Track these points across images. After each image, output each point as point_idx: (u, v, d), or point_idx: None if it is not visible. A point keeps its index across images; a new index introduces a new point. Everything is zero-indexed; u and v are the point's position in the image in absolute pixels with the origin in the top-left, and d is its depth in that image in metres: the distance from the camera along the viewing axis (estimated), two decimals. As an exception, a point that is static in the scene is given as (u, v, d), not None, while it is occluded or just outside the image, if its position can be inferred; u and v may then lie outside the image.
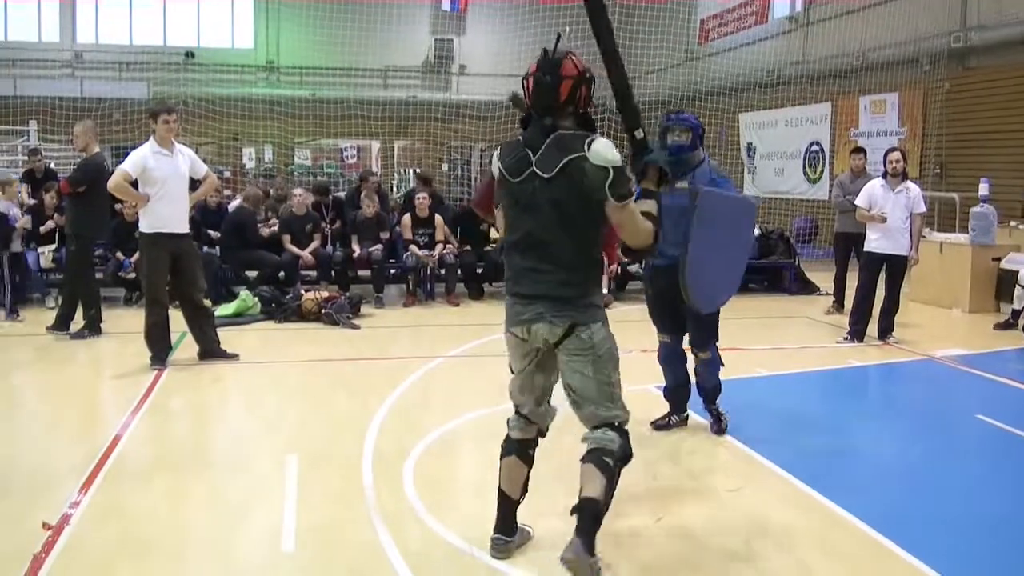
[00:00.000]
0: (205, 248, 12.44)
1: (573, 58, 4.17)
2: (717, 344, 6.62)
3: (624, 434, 4.25)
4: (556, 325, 4.13)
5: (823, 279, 13.77)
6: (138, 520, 5.01)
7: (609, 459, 4.15)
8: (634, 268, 12.79)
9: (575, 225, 4.10)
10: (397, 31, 25.88)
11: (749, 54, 22.94)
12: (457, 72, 28.59)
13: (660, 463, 5.95)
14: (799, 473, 5.83)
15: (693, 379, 6.72)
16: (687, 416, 6.82)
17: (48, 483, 5.56)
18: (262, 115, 25.10)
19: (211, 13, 28.16)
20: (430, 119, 25.75)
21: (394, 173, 27.46)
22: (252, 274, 12.85)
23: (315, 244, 13.08)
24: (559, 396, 4.42)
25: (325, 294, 11.70)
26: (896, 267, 10.15)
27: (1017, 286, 11.14)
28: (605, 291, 10.95)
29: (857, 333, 10.33)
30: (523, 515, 4.62)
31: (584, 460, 4.18)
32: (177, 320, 9.00)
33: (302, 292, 11.73)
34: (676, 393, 6.74)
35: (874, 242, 10.19)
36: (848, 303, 11.04)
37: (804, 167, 21.93)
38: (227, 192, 18.46)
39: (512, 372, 4.48)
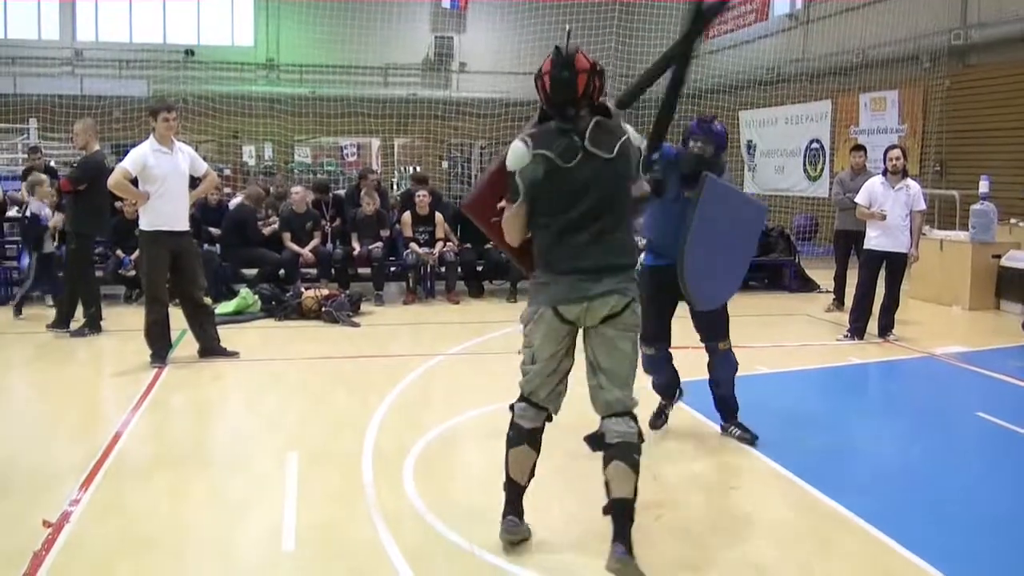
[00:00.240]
0: (205, 246, 12.45)
1: (583, 53, 4.31)
2: (728, 338, 6.52)
3: (636, 418, 4.39)
4: (625, 296, 4.29)
5: (823, 277, 13.77)
6: (138, 518, 5.02)
7: (636, 454, 4.29)
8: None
9: (625, 201, 4.37)
10: (397, 28, 25.87)
11: (749, 51, 22.94)
12: (457, 70, 28.58)
13: (660, 462, 5.95)
14: (799, 471, 5.83)
15: (711, 388, 6.59)
16: (680, 393, 6.71)
17: (48, 481, 5.55)
18: (262, 113, 25.09)
19: (211, 11, 28.15)
20: (430, 117, 25.74)
21: (394, 171, 27.45)
22: (252, 272, 12.85)
23: (315, 242, 13.07)
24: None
25: (325, 292, 11.70)
26: (896, 264, 10.16)
27: None
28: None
29: (857, 331, 10.33)
30: (541, 514, 4.62)
31: (613, 458, 4.27)
32: (177, 318, 9.00)
33: (302, 290, 11.73)
34: (667, 389, 6.67)
35: (874, 240, 10.19)
36: (848, 301, 11.03)
37: (804, 165, 21.92)
38: (227, 190, 18.45)
39: (533, 361, 4.45)
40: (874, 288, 10.29)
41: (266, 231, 13.19)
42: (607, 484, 4.26)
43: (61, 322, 10.10)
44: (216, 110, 23.31)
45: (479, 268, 13.72)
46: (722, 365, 6.49)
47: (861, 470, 6.20)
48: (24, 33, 26.86)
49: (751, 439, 6.41)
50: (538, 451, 4.58)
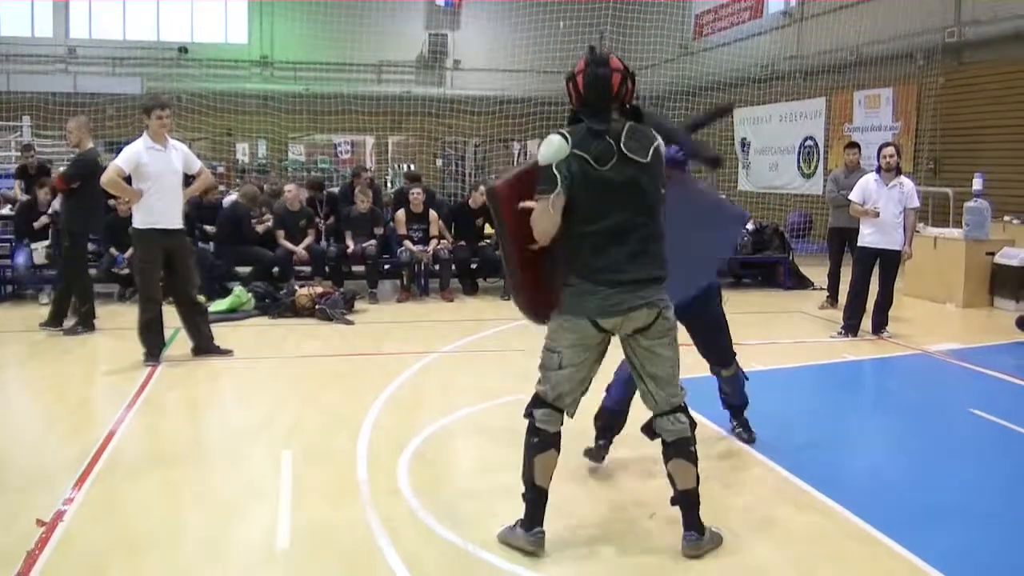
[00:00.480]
0: (199, 244, 12.43)
1: (615, 56, 4.38)
2: (736, 358, 6.43)
3: (687, 410, 4.55)
4: (656, 307, 4.35)
5: (817, 274, 13.77)
6: (132, 517, 5.01)
7: (692, 446, 4.51)
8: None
9: (660, 207, 4.40)
10: (391, 26, 25.85)
11: (744, 49, 22.95)
12: (451, 67, 28.57)
13: (655, 459, 5.94)
14: (793, 468, 5.84)
15: (720, 399, 6.56)
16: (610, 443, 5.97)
17: (42, 480, 5.55)
18: (256, 110, 25.06)
19: (205, 8, 28.14)
20: (424, 114, 25.72)
21: (388, 168, 27.43)
22: (246, 270, 12.83)
23: (309, 240, 13.05)
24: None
25: (319, 290, 11.69)
26: (890, 262, 10.18)
27: None
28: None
29: (851, 328, 10.34)
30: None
31: (672, 455, 4.49)
32: (171, 316, 8.99)
33: (296, 288, 11.72)
34: (613, 417, 5.86)
35: (868, 237, 10.20)
36: (842, 298, 11.04)
37: (798, 162, 21.95)
38: (221, 187, 18.42)
39: (560, 367, 4.44)
40: (868, 285, 10.31)
41: (260, 229, 13.17)
42: (671, 478, 4.51)
43: (54, 320, 10.08)
44: (210, 107, 23.27)
45: (473, 266, 13.72)
46: (726, 392, 6.49)
47: (855, 467, 6.22)
48: (17, 30, 26.83)
49: (748, 439, 6.42)
50: (560, 452, 4.61)
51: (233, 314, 11.22)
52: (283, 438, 6.50)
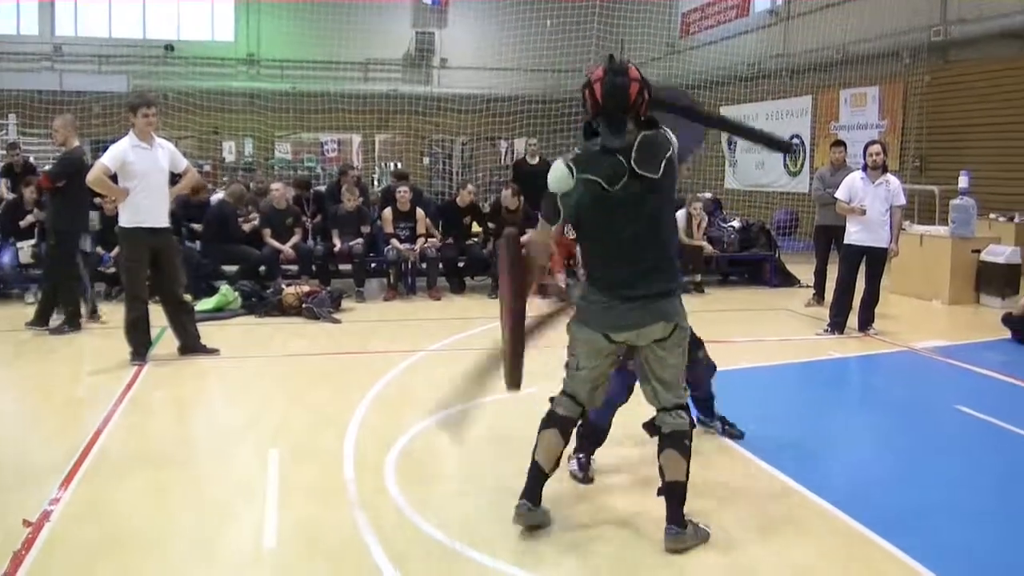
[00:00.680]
0: (186, 243, 12.40)
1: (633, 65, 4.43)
2: (704, 346, 6.44)
3: (688, 408, 4.68)
4: (671, 320, 4.45)
5: (803, 272, 13.81)
6: (119, 516, 5.00)
7: (687, 441, 4.59)
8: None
9: (669, 221, 4.52)
10: (378, 24, 25.79)
11: (730, 47, 22.97)
12: (438, 66, 28.53)
13: (641, 455, 5.96)
14: (780, 464, 5.86)
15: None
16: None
17: (28, 480, 5.53)
18: (242, 108, 24.97)
19: (191, 6, 28.00)
20: (411, 113, 25.69)
21: (375, 167, 27.38)
22: (232, 268, 12.80)
23: (296, 238, 13.02)
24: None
25: (306, 288, 11.67)
26: (876, 259, 10.21)
27: None
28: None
29: (837, 325, 10.37)
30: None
31: (665, 446, 4.57)
32: (157, 315, 8.96)
33: (283, 286, 11.69)
34: (595, 431, 5.69)
35: (854, 235, 10.23)
36: (828, 295, 11.07)
37: (785, 160, 22.00)
38: (209, 186, 18.37)
39: (578, 368, 4.64)
40: (854, 283, 10.34)
41: (246, 227, 13.13)
42: (661, 469, 4.57)
43: (40, 320, 10.05)
44: (196, 106, 23.19)
45: (460, 264, 13.72)
46: (698, 371, 6.45)
47: (842, 464, 6.24)
48: (2, 28, 26.70)
49: (737, 435, 6.42)
50: (566, 441, 4.78)
51: (220, 313, 11.20)
52: (270, 437, 6.49)
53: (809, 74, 20.57)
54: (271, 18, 27.30)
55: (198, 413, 7.64)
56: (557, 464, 4.78)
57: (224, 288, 11.73)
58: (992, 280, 12.45)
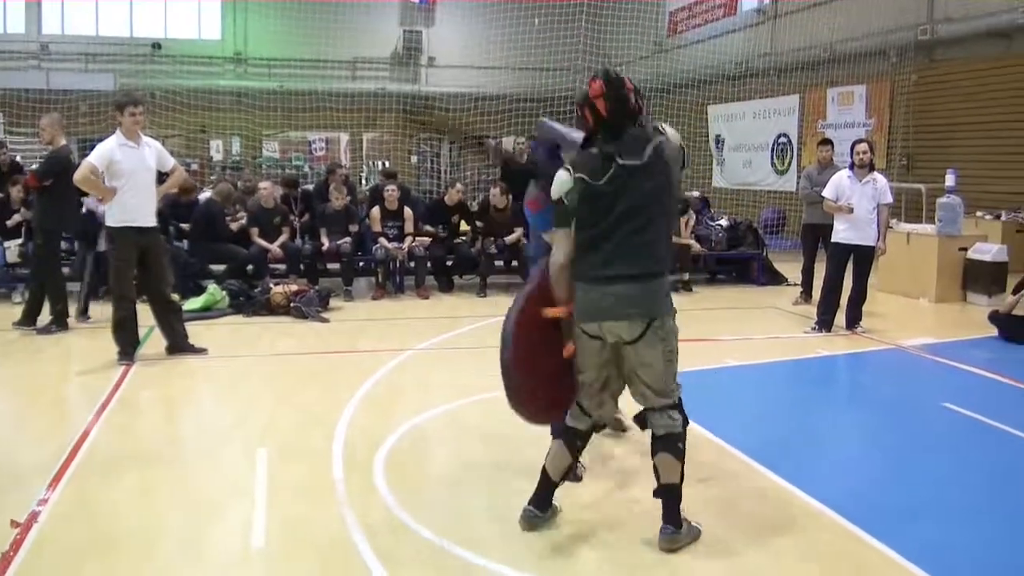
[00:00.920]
0: (174, 242, 12.37)
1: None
2: None
3: (681, 406, 4.60)
4: (638, 321, 4.39)
5: (791, 270, 13.83)
6: (107, 517, 4.99)
7: (681, 443, 4.55)
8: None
9: (660, 210, 4.42)
10: (365, 23, 25.78)
11: (718, 46, 23.02)
12: (426, 64, 28.52)
13: (631, 453, 5.97)
14: (768, 462, 5.87)
15: None
16: None
17: (16, 480, 5.51)
18: (229, 107, 24.93)
19: (178, 4, 27.96)
20: (399, 111, 25.70)
21: (363, 165, 27.36)
22: (220, 268, 12.77)
23: (284, 237, 13.00)
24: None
25: (294, 287, 11.64)
26: (863, 257, 10.24)
27: None
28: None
29: (825, 323, 10.39)
30: (511, 509, 4.62)
31: (658, 449, 4.55)
32: (145, 314, 8.94)
33: (271, 286, 11.67)
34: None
35: (841, 233, 10.26)
36: (816, 293, 11.10)
37: (772, 159, 22.05)
38: (196, 185, 18.33)
39: (580, 371, 4.62)
40: (841, 281, 10.37)
41: (234, 227, 13.10)
42: (656, 471, 4.57)
43: (28, 319, 10.01)
44: (183, 104, 23.16)
45: (449, 263, 13.71)
46: None
47: (830, 460, 6.26)
48: (-11, 27, 26.64)
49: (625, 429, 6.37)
50: (572, 454, 4.77)
51: (207, 312, 11.17)
52: (258, 437, 6.48)
53: (796, 73, 20.63)
54: (258, 16, 27.25)
55: (186, 413, 7.62)
56: (567, 475, 4.81)
57: (212, 287, 11.70)
58: (979, 278, 12.50)
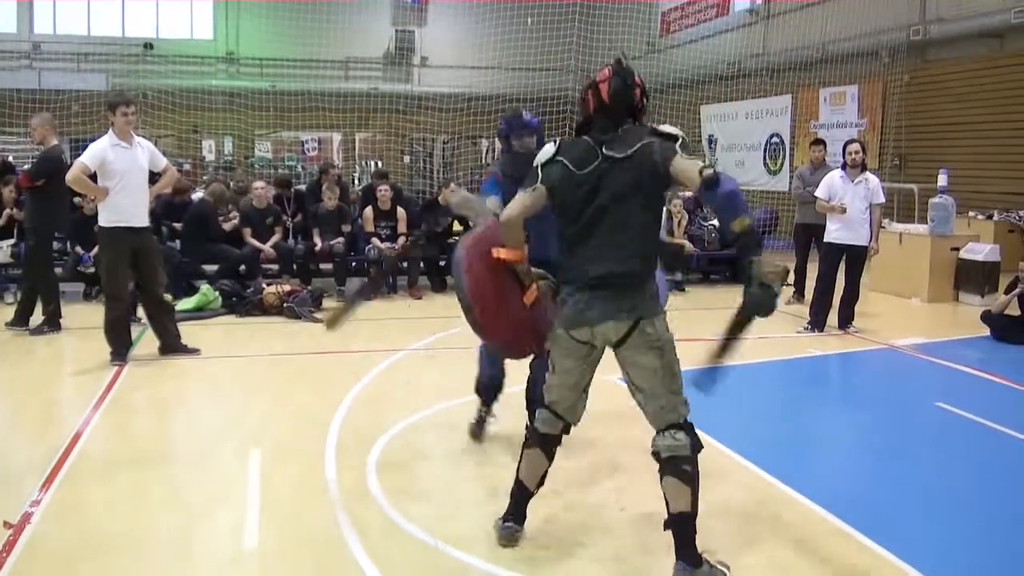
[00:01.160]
0: (167, 242, 12.35)
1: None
2: None
3: (690, 429, 4.32)
4: (622, 321, 4.20)
5: (784, 270, 13.81)
6: (100, 518, 4.98)
7: (688, 466, 4.22)
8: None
9: (643, 204, 4.22)
10: (358, 22, 25.70)
11: (710, 46, 23.06)
12: (418, 64, 28.49)
13: (622, 452, 5.97)
14: (761, 462, 5.88)
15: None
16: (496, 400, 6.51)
17: (8, 481, 5.50)
18: (222, 107, 24.92)
19: (170, 4, 27.89)
20: (392, 111, 25.67)
21: (355, 166, 27.35)
22: (213, 268, 12.75)
23: (276, 237, 12.99)
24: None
25: (287, 288, 11.64)
26: (856, 257, 10.27)
27: None
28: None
29: (818, 323, 10.42)
30: (504, 510, 4.62)
31: (664, 473, 4.24)
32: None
33: (263, 286, 11.66)
34: (493, 387, 6.37)
35: (834, 233, 10.28)
36: (809, 293, 11.12)
37: (764, 159, 22.08)
38: (191, 186, 18.31)
39: (553, 371, 4.49)
40: (834, 281, 10.39)
41: (227, 227, 13.09)
42: (665, 499, 4.26)
43: (20, 320, 9.99)
44: (176, 104, 23.12)
45: (441, 263, 13.69)
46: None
47: (822, 460, 6.28)
48: (-19, 27, 26.56)
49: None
50: (550, 459, 4.60)
51: (200, 313, 11.16)
52: (251, 437, 6.47)
53: (789, 73, 20.66)
54: (250, 16, 27.22)
55: (179, 413, 7.60)
56: (542, 482, 4.63)
57: (204, 288, 11.69)
58: (971, 278, 12.54)
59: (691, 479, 4.21)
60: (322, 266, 13.44)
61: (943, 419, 7.19)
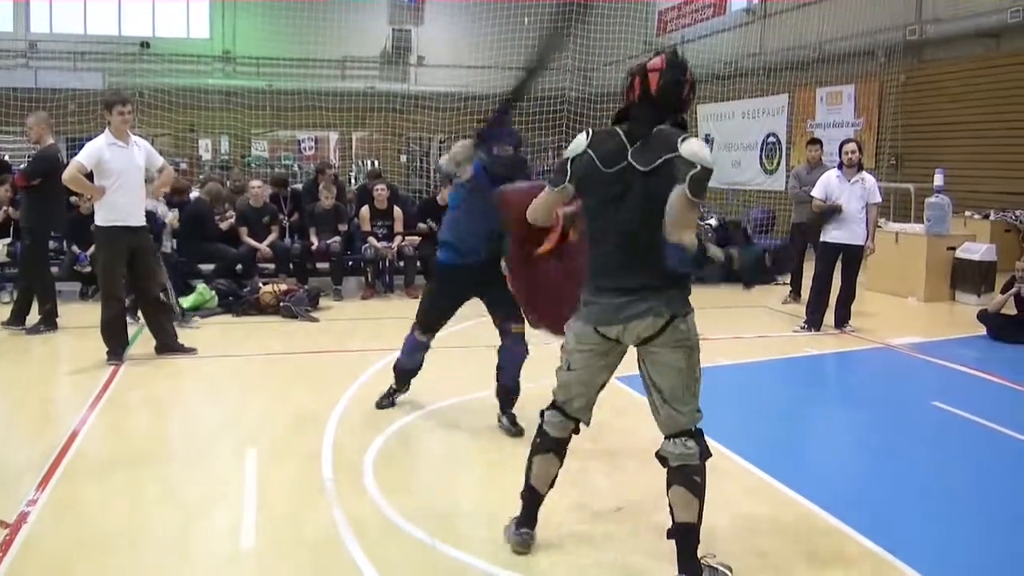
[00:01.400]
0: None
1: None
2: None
3: (700, 436, 4.24)
4: (662, 315, 4.10)
5: (780, 269, 13.82)
6: (97, 517, 4.98)
7: (697, 477, 4.17)
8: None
9: (660, 219, 4.01)
10: (354, 21, 25.69)
11: (707, 46, 23.02)
12: (415, 63, 28.48)
13: (619, 452, 5.97)
14: (758, 461, 5.88)
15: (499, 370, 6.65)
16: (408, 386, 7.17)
17: (5, 481, 5.49)
18: (218, 106, 24.88)
19: (167, 3, 27.90)
20: (388, 110, 25.64)
21: (352, 165, 27.33)
22: (209, 267, 12.73)
23: (273, 236, 12.98)
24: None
25: (283, 287, 11.63)
26: (852, 257, 10.28)
27: None
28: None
29: (814, 322, 10.43)
30: (501, 508, 4.62)
31: (672, 482, 4.18)
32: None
33: (260, 285, 11.65)
34: (410, 375, 7.12)
35: (830, 232, 10.29)
36: (805, 292, 11.13)
37: (761, 158, 22.08)
38: (190, 186, 18.27)
39: (569, 368, 4.35)
40: (831, 280, 10.40)
41: (223, 226, 13.07)
42: (670, 508, 4.20)
43: (16, 319, 9.97)
44: (172, 103, 23.11)
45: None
46: (512, 349, 6.53)
47: (819, 459, 6.29)
48: (-23, 26, 26.54)
49: (518, 432, 6.40)
50: (562, 461, 4.50)
51: (196, 312, 11.14)
52: (248, 436, 6.47)
53: (785, 72, 20.67)
54: (247, 15, 27.20)
55: (175, 413, 7.59)
56: (552, 485, 4.54)
57: (201, 287, 11.67)
58: (967, 277, 12.55)
59: (699, 490, 4.16)
60: (318, 265, 13.42)
61: (940, 418, 7.20)
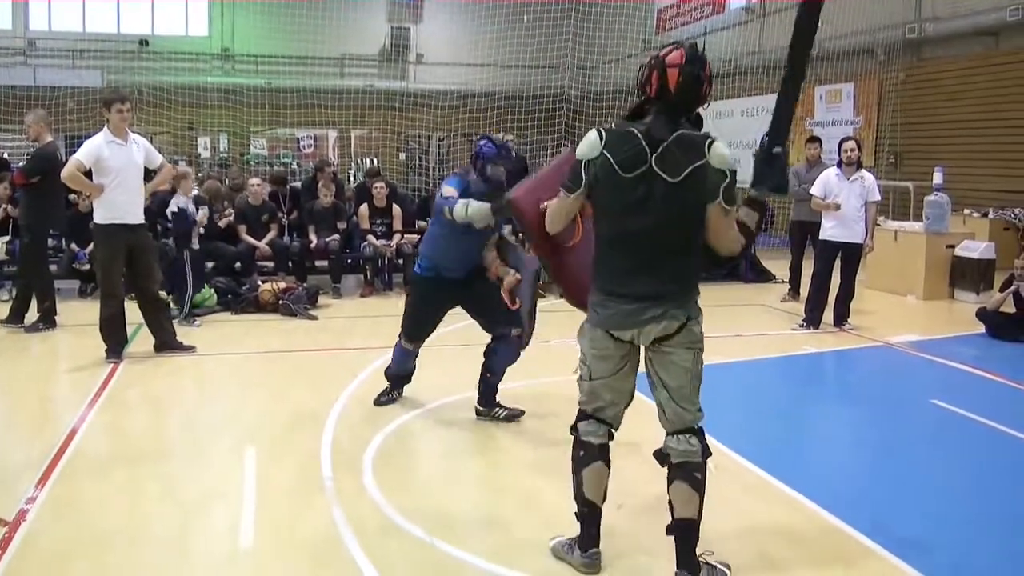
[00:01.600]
0: (162, 239, 12.32)
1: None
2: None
3: (702, 434, 4.21)
4: (677, 318, 4.04)
5: (779, 267, 13.85)
6: (96, 515, 4.97)
7: (699, 473, 4.14)
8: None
9: (691, 226, 4.03)
10: (353, 19, 25.67)
11: (706, 44, 22.97)
12: (414, 61, 28.46)
13: (620, 450, 5.96)
14: (757, 459, 5.88)
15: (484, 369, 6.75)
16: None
17: (3, 479, 5.49)
18: (217, 104, 24.86)
19: (165, 1, 27.83)
20: (387, 108, 25.62)
21: (351, 163, 27.31)
22: (208, 265, 12.71)
23: (272, 234, 12.98)
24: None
25: (282, 285, 11.62)
26: (851, 255, 10.28)
27: None
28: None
29: (813, 320, 10.42)
30: (499, 506, 4.61)
31: (674, 478, 4.15)
32: (133, 312, 8.91)
33: (259, 283, 11.65)
34: (403, 380, 7.25)
35: (829, 230, 10.29)
36: (804, 290, 11.14)
37: (759, 157, 22.04)
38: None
39: (591, 377, 4.26)
40: (829, 278, 10.40)
41: (222, 224, 13.06)
42: (670, 504, 4.18)
43: (15, 317, 9.96)
44: (171, 101, 23.09)
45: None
46: (506, 352, 6.59)
47: (818, 457, 6.28)
48: (-25, 23, 26.49)
49: (519, 412, 6.61)
50: (610, 468, 4.38)
51: (196, 310, 11.12)
52: (247, 435, 6.47)
53: (785, 71, 20.63)
54: (245, 13, 27.15)
55: (174, 411, 7.57)
56: (606, 496, 4.41)
57: (200, 285, 11.67)
58: (966, 275, 12.55)
59: (700, 486, 4.14)
60: (317, 263, 13.43)
61: (939, 416, 7.19)
